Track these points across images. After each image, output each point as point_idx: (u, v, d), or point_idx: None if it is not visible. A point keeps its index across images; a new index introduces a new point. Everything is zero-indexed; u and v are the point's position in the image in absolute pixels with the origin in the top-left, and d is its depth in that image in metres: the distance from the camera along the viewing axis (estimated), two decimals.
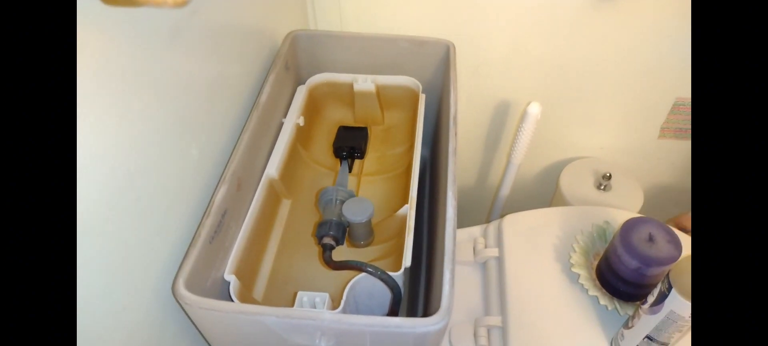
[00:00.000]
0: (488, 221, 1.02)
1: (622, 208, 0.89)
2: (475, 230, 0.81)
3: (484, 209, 1.14)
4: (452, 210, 0.49)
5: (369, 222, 0.55)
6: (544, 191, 1.09)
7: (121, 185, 0.37)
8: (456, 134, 0.57)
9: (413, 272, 0.70)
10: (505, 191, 0.95)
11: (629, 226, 0.61)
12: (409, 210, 0.55)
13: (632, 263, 0.60)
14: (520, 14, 0.78)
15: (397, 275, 0.49)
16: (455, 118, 0.60)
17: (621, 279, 0.62)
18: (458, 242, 0.78)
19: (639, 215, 0.67)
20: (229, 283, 0.48)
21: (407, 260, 0.50)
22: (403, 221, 0.55)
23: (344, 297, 0.46)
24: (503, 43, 0.83)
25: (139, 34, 0.38)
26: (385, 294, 0.50)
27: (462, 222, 1.20)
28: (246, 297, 0.51)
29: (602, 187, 0.92)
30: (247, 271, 0.54)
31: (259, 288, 0.55)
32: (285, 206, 0.64)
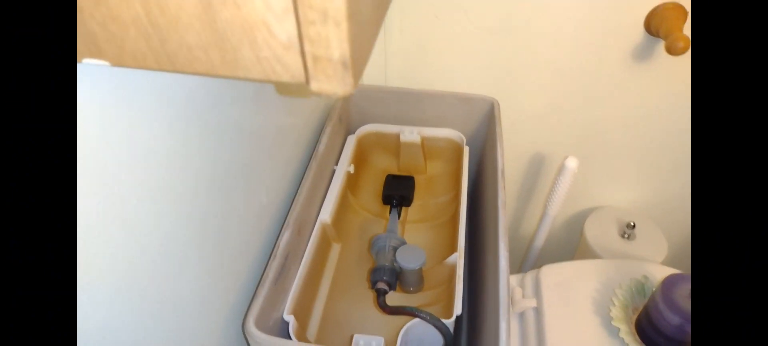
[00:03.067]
0: (520, 270, 1.04)
1: (647, 258, 0.90)
2: (512, 280, 0.82)
3: (515, 257, 1.15)
4: (505, 262, 0.51)
5: (421, 269, 0.58)
6: (568, 238, 1.10)
7: (198, 227, 0.41)
8: (504, 188, 0.60)
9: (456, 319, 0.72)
10: (540, 241, 0.97)
11: (671, 282, 0.62)
12: (458, 259, 0.57)
13: (675, 319, 0.61)
14: (558, 74, 0.82)
15: (449, 322, 0.51)
16: (503, 171, 0.63)
17: (663, 335, 0.63)
18: None
19: (678, 272, 0.68)
20: (287, 323, 0.51)
21: (458, 308, 0.52)
22: (452, 269, 0.57)
23: (399, 341, 0.49)
24: (541, 100, 0.87)
25: (233, 88, 0.43)
26: (436, 341, 0.52)
27: None
28: (301, 337, 0.53)
29: (626, 236, 0.93)
30: (303, 311, 0.57)
31: (312, 328, 0.58)
32: (335, 250, 0.67)
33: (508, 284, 0.49)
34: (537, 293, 0.77)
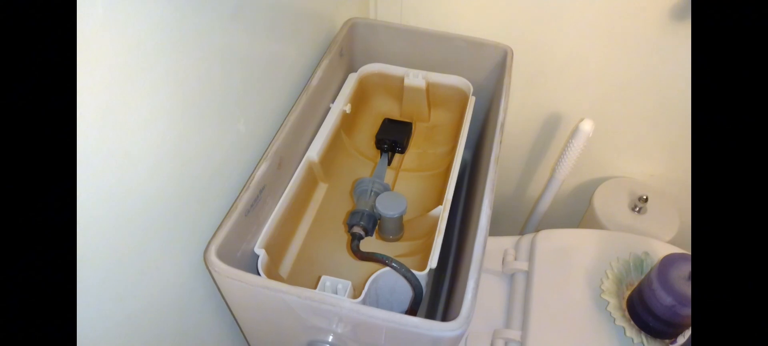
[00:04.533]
0: (522, 233, 1.01)
1: (655, 234, 0.85)
2: (507, 241, 0.80)
3: (519, 220, 1.12)
4: (486, 219, 0.48)
5: (400, 218, 0.56)
6: (576, 206, 1.05)
7: (169, 149, 0.39)
8: (501, 142, 0.56)
9: (438, 274, 0.70)
10: (544, 205, 0.93)
11: (669, 261, 0.59)
12: (443, 211, 0.54)
13: (667, 299, 0.57)
14: (584, 24, 0.76)
15: (421, 275, 0.49)
16: (503, 125, 0.59)
17: (652, 314, 0.60)
18: (489, 250, 0.77)
19: (682, 252, 0.64)
20: (258, 256, 0.50)
21: (433, 262, 0.50)
22: (435, 221, 0.55)
23: (366, 288, 0.47)
24: (563, 53, 0.80)
25: (204, 5, 0.40)
26: (406, 292, 0.51)
27: (495, 230, 1.19)
28: (272, 272, 0.52)
29: (637, 209, 0.89)
30: (277, 247, 0.56)
31: (286, 265, 0.57)
32: (321, 190, 0.65)
33: (484, 242, 0.46)
34: (530, 257, 0.74)
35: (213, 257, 0.43)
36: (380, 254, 0.49)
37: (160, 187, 0.39)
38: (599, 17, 0.74)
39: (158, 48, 0.35)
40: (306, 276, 0.57)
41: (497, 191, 1.07)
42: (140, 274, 0.40)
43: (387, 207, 0.53)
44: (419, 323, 0.40)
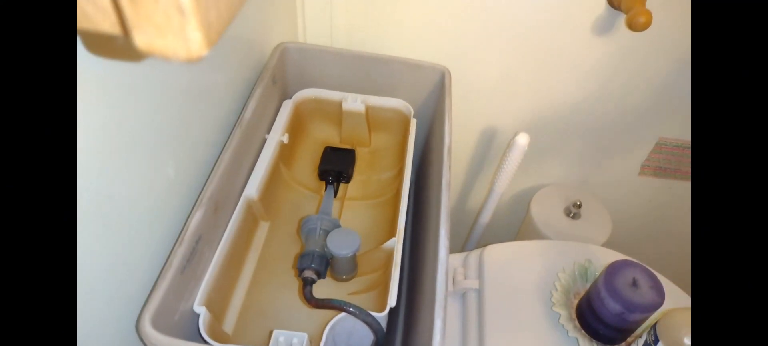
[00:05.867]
0: (465, 246, 1.01)
1: (591, 238, 0.89)
2: (455, 259, 0.79)
3: (460, 233, 1.13)
4: (444, 251, 0.46)
5: (354, 256, 0.52)
6: (515, 215, 1.08)
7: (88, 204, 0.33)
8: (449, 167, 0.55)
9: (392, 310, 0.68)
10: (485, 218, 0.94)
11: (614, 269, 0.60)
12: (397, 244, 0.52)
13: (615, 307, 0.59)
14: (515, 43, 0.77)
15: (382, 316, 0.46)
16: (449, 148, 0.58)
17: (602, 322, 0.61)
18: None
19: (625, 258, 0.66)
20: (198, 315, 0.45)
21: (392, 300, 0.47)
22: (389, 254, 0.52)
23: (324, 339, 0.43)
24: (494, 71, 0.82)
25: None
26: (366, 334, 0.48)
27: None
28: (216, 331, 0.47)
29: (572, 215, 0.92)
30: (219, 301, 0.50)
31: (231, 320, 0.52)
32: (263, 229, 0.60)
33: (445, 275, 0.44)
34: (480, 273, 0.73)
35: (148, 328, 0.38)
36: (337, 300, 0.45)
37: (86, 261, 0.33)
38: (529, 34, 0.76)
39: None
40: (256, 329, 0.52)
41: None
42: None
43: (339, 246, 0.50)
44: None
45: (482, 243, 0.83)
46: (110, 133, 0.35)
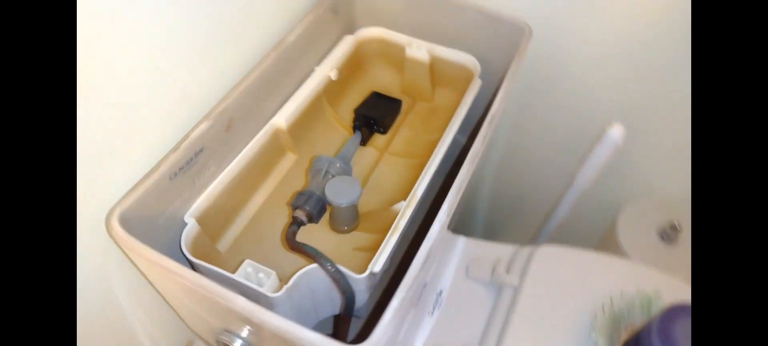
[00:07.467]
0: (534, 242, 0.90)
1: (681, 271, 0.73)
2: (504, 250, 0.70)
3: (530, 224, 1.01)
4: (438, 225, 0.40)
5: (354, 207, 0.48)
6: (598, 223, 0.92)
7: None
8: (486, 137, 0.47)
9: (397, 277, 0.63)
10: (561, 214, 0.82)
11: (675, 312, 0.48)
12: (405, 208, 0.47)
13: None
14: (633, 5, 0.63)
15: (359, 278, 0.42)
16: (495, 117, 0.49)
17: None
18: (482, 256, 0.69)
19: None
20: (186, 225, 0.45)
21: (377, 264, 0.42)
22: (395, 217, 0.47)
23: (291, 282, 0.41)
24: (601, 37, 0.67)
25: None
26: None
27: (501, 235, 1.08)
28: (205, 245, 0.47)
29: (666, 238, 0.76)
30: (219, 219, 0.50)
31: (228, 239, 0.51)
32: (288, 161, 0.58)
33: (426, 254, 0.38)
34: (524, 271, 0.65)
35: (113, 221, 0.38)
36: (312, 248, 0.42)
37: None
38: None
39: None
40: (249, 254, 0.51)
41: (512, 192, 0.97)
42: None
43: (336, 194, 0.46)
44: (317, 342, 0.33)
45: (556, 241, 0.72)
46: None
